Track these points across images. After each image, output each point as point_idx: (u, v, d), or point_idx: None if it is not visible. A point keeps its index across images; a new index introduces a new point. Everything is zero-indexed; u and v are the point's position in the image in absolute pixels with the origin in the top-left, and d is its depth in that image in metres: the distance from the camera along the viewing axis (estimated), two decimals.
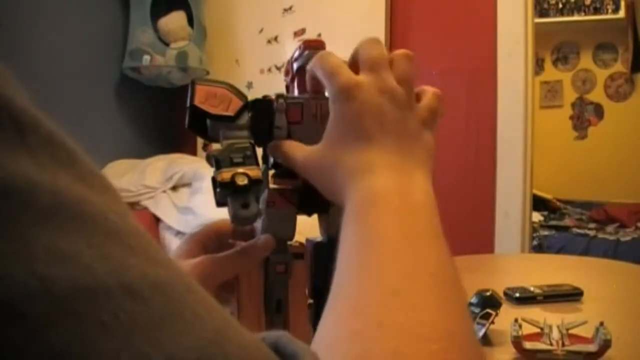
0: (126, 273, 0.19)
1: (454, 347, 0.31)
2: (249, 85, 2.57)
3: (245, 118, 0.52)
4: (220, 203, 0.50)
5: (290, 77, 0.56)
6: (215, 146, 0.53)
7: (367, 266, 0.36)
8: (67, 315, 0.17)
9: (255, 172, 0.49)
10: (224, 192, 0.49)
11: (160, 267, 0.21)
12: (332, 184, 0.45)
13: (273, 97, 0.54)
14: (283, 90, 0.57)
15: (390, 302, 0.32)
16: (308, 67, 0.50)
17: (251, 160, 0.50)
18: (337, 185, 0.44)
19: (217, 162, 0.50)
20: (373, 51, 0.47)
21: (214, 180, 0.50)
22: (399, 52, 0.48)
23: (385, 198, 0.40)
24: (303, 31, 2.48)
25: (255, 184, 0.48)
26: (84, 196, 0.20)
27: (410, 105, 0.46)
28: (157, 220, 2.23)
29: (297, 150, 0.49)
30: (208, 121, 0.52)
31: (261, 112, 0.53)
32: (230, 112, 0.52)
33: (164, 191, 2.28)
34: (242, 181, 0.48)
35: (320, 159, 0.47)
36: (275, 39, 2.57)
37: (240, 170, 0.48)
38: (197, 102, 0.51)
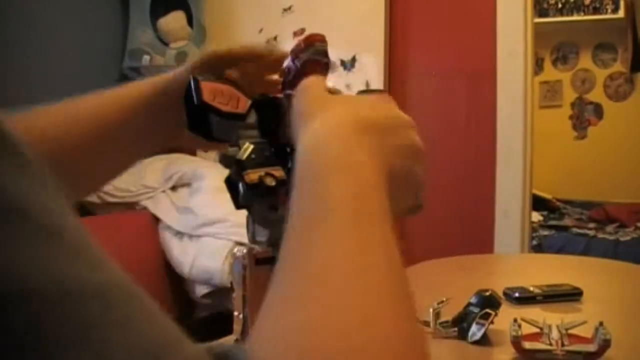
0: (66, 278, 0.19)
1: (377, 340, 0.27)
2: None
3: (254, 117, 0.51)
4: (241, 205, 0.48)
5: (293, 73, 0.53)
6: (220, 146, 0.51)
7: (312, 253, 0.32)
8: None
9: (279, 172, 0.48)
10: (251, 194, 0.47)
11: (102, 272, 0.21)
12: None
13: (280, 96, 0.52)
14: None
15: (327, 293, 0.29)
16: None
17: (272, 160, 0.49)
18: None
19: (240, 163, 0.47)
20: None
21: (230, 181, 0.48)
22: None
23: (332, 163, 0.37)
24: (302, 31, 2.48)
25: (282, 185, 0.47)
26: (26, 193, 0.20)
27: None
28: (157, 220, 2.23)
29: None
30: (215, 119, 0.49)
31: (270, 111, 0.51)
32: (241, 110, 0.50)
33: (164, 191, 2.28)
34: (270, 182, 0.46)
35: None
36: (275, 38, 2.57)
37: (265, 171, 0.47)
38: (206, 99, 0.48)
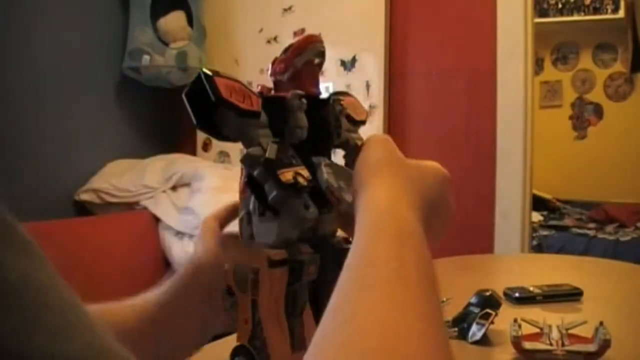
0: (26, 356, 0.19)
1: None
2: (249, 85, 2.55)
3: (264, 116, 0.49)
4: (270, 206, 0.47)
5: (291, 72, 0.53)
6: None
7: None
8: None
9: (306, 171, 0.47)
10: (286, 193, 0.46)
11: (69, 344, 0.21)
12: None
13: (287, 95, 0.51)
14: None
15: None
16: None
17: (297, 159, 0.48)
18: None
19: (270, 162, 0.46)
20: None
21: (251, 182, 0.47)
22: None
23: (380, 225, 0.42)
24: (303, 31, 2.48)
25: (310, 184, 0.47)
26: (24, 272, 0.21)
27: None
28: (157, 220, 2.23)
29: None
30: (232, 116, 0.46)
31: (276, 110, 0.50)
32: (256, 108, 0.48)
33: (164, 191, 2.28)
34: (303, 181, 0.46)
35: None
36: (275, 38, 2.57)
37: (294, 170, 0.46)
38: (224, 95, 0.45)
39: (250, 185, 0.49)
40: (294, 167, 0.47)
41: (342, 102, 0.56)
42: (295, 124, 0.50)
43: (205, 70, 0.46)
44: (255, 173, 0.47)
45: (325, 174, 0.49)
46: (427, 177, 0.49)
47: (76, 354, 0.21)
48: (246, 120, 0.47)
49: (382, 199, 0.43)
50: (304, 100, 0.51)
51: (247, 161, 0.48)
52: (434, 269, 0.39)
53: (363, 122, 0.59)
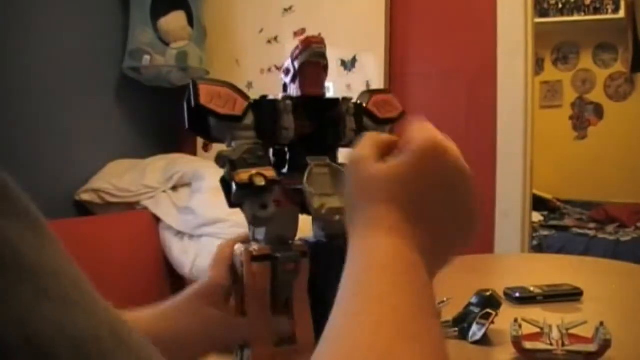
0: (33, 324, 0.18)
1: None
2: (249, 85, 2.57)
3: (251, 118, 0.52)
4: (234, 204, 0.50)
5: (291, 75, 0.55)
6: (220, 147, 0.52)
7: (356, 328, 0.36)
8: None
9: (270, 172, 0.49)
10: (242, 193, 0.48)
11: (81, 315, 0.20)
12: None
13: (279, 97, 0.54)
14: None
15: None
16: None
17: (265, 160, 0.50)
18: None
19: (232, 163, 0.49)
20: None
21: (224, 181, 0.50)
22: None
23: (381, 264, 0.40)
24: (303, 31, 2.48)
25: (272, 185, 0.48)
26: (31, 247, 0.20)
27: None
28: (157, 220, 2.23)
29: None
30: (212, 121, 0.51)
31: (266, 112, 0.53)
32: (238, 112, 0.51)
33: (164, 191, 2.28)
34: (260, 182, 0.48)
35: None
36: (275, 39, 2.57)
37: (256, 171, 0.48)
38: (203, 102, 0.50)
39: (222, 184, 0.51)
40: (259, 167, 0.49)
41: (352, 102, 0.57)
42: (281, 125, 0.52)
43: (194, 78, 0.51)
44: (224, 173, 0.50)
45: (306, 176, 0.51)
46: (440, 186, 0.43)
47: (88, 328, 0.20)
48: (226, 124, 0.51)
49: (376, 235, 0.41)
50: (289, 102, 0.53)
51: (218, 162, 0.51)
52: (430, 291, 0.39)
53: (391, 120, 0.60)
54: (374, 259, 0.40)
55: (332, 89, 2.31)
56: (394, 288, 0.37)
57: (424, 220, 0.41)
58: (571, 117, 4.72)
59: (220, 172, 0.51)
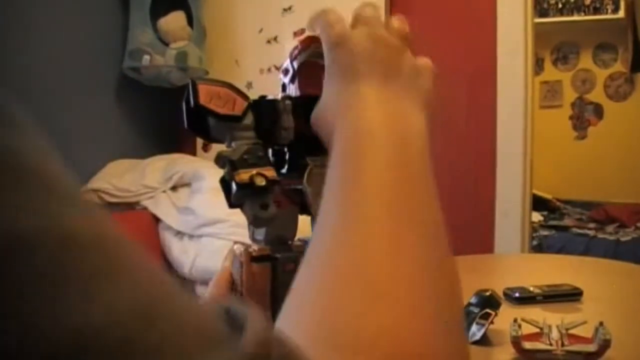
0: (63, 225, 0.19)
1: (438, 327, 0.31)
2: (249, 85, 2.57)
3: (250, 118, 0.52)
4: (234, 204, 0.50)
5: (290, 75, 0.56)
6: (219, 147, 0.52)
7: (348, 227, 0.36)
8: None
9: (271, 172, 0.49)
10: (242, 193, 0.48)
11: (97, 221, 0.21)
12: (327, 128, 0.45)
13: (278, 97, 0.54)
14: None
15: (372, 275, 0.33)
16: (307, 23, 0.50)
17: (265, 160, 0.50)
18: (330, 127, 0.44)
19: (232, 163, 0.49)
20: (367, 10, 0.49)
21: (224, 181, 0.50)
22: (394, 17, 0.52)
23: (372, 134, 0.41)
24: (303, 31, 2.48)
25: (273, 185, 0.48)
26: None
27: (402, 51, 0.47)
28: (157, 220, 2.23)
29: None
30: (212, 121, 0.51)
31: (265, 112, 0.53)
32: (237, 112, 0.51)
33: (164, 191, 2.28)
34: (261, 182, 0.48)
35: (318, 109, 0.48)
36: (275, 39, 2.57)
37: (256, 171, 0.48)
38: (202, 102, 0.50)
39: (222, 185, 0.50)
40: (259, 167, 0.49)
41: None
42: (281, 126, 0.52)
43: (193, 78, 0.51)
44: (224, 173, 0.50)
45: (306, 176, 0.52)
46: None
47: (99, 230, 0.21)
48: (226, 124, 0.51)
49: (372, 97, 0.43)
50: (289, 102, 0.53)
51: (218, 162, 0.51)
52: (433, 187, 0.39)
53: None
54: (361, 138, 0.40)
55: None
56: (388, 172, 0.38)
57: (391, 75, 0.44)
58: (571, 117, 4.72)
59: (220, 172, 0.51)
